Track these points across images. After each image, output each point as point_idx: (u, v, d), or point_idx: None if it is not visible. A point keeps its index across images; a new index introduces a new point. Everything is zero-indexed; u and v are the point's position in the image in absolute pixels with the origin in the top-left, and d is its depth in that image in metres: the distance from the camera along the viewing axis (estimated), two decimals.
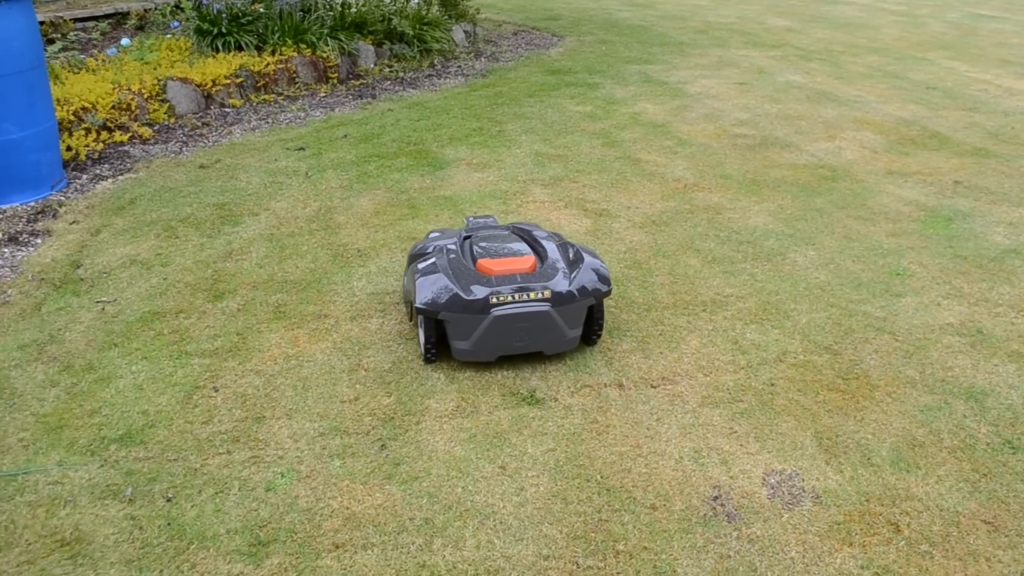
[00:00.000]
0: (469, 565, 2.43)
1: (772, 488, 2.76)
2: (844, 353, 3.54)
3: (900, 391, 3.29)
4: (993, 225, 4.88)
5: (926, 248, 4.56)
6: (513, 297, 3.25)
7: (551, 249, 3.55)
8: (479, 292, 3.24)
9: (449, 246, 3.55)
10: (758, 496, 2.72)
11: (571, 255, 3.52)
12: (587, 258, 3.48)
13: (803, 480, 2.80)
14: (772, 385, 3.31)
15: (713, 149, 6.18)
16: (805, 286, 4.11)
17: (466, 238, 3.67)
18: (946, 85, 8.42)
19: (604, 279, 3.43)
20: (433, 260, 3.43)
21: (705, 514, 2.64)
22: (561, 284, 3.32)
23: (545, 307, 3.26)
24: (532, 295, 3.26)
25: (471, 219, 4.00)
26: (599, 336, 3.55)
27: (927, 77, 8.78)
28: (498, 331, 3.25)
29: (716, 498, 2.71)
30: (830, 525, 2.61)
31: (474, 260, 3.46)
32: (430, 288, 3.26)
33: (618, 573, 2.42)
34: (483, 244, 3.57)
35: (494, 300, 3.23)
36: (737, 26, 11.87)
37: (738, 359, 3.48)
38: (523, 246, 3.56)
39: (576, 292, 3.33)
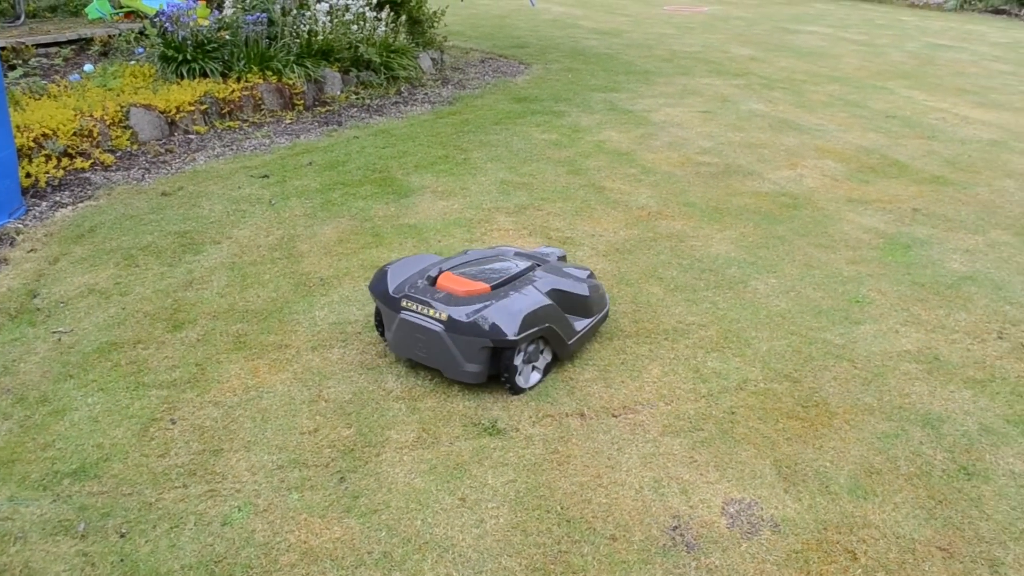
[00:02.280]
0: None
1: (731, 517, 2.77)
2: (804, 381, 3.57)
3: (858, 418, 3.32)
4: (950, 252, 4.97)
5: (885, 275, 4.62)
6: (416, 307, 3.38)
7: (517, 284, 3.50)
8: (398, 292, 3.49)
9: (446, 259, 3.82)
10: (717, 526, 2.73)
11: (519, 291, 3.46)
12: (511, 298, 3.37)
13: (762, 509, 2.81)
14: (732, 413, 3.33)
15: (677, 177, 6.24)
16: (766, 314, 4.15)
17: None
18: (905, 114, 8.58)
19: (511, 326, 3.24)
20: (406, 260, 3.77)
21: (664, 544, 2.64)
22: (461, 313, 3.30)
23: (438, 328, 3.32)
24: (431, 312, 3.35)
25: (544, 249, 4.14)
26: (510, 385, 3.38)
27: (887, 106, 8.94)
28: (404, 333, 3.43)
29: (675, 528, 2.71)
30: (788, 554, 2.62)
31: (440, 273, 3.55)
32: (378, 277, 3.65)
33: None
34: (471, 266, 3.67)
35: (403, 304, 3.41)
36: (702, 55, 12.03)
37: (699, 388, 3.50)
38: (496, 273, 3.57)
39: (470, 325, 3.27)
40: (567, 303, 3.58)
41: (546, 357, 3.54)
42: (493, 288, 3.45)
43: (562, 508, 2.79)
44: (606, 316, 3.87)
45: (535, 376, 3.49)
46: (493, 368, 3.35)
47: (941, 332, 4.02)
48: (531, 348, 3.41)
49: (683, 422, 3.26)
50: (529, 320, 3.30)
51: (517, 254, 3.92)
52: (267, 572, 2.50)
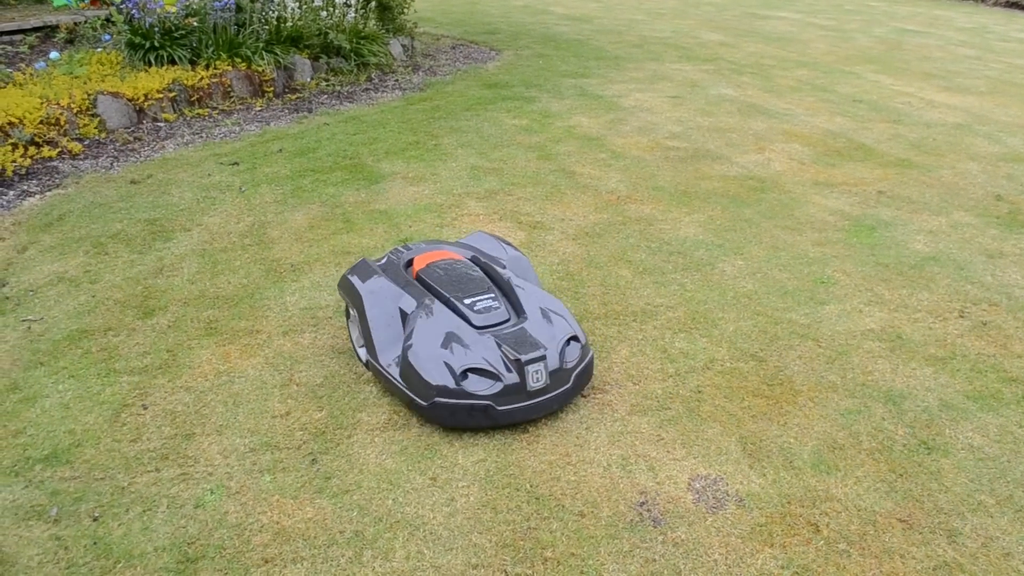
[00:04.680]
0: None
1: (697, 493, 2.83)
2: (769, 360, 3.64)
3: (822, 396, 3.39)
4: (914, 233, 5.05)
5: (850, 256, 4.70)
6: None
7: (412, 287, 3.49)
8: None
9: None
10: (683, 501, 2.79)
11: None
12: (376, 273, 3.49)
13: (727, 484, 2.87)
14: (699, 392, 3.39)
15: (646, 162, 6.29)
16: (733, 295, 4.21)
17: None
18: (872, 98, 8.67)
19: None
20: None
21: (632, 520, 2.70)
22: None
23: None
24: None
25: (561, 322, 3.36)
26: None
27: (854, 90, 9.04)
28: None
29: (642, 504, 2.77)
30: (752, 527, 2.68)
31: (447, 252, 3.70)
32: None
33: None
34: (469, 264, 3.59)
35: None
36: (672, 40, 12.08)
37: (666, 367, 3.55)
38: (455, 276, 3.50)
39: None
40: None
41: None
42: (416, 277, 3.52)
43: (531, 486, 2.83)
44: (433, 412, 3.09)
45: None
46: None
47: (904, 311, 4.10)
48: None
49: (651, 401, 3.32)
50: (345, 286, 3.53)
51: (503, 290, 3.47)
52: (240, 553, 2.53)
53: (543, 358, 3.08)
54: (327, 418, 3.16)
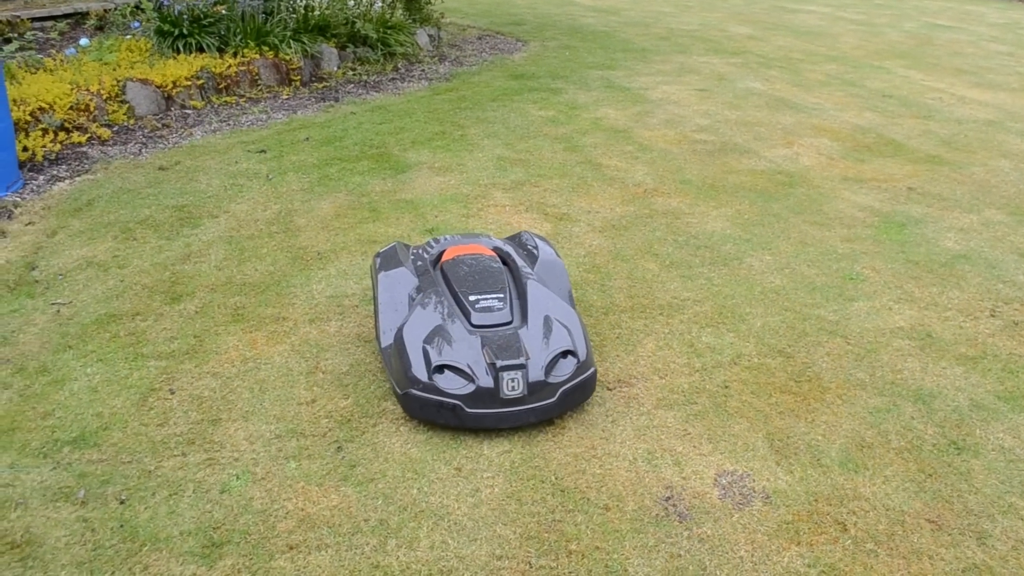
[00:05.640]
0: (423, 565, 2.45)
1: (723, 488, 2.81)
2: (797, 356, 3.60)
3: (850, 393, 3.35)
4: (944, 231, 4.99)
5: (879, 253, 4.65)
6: None
7: (426, 281, 3.51)
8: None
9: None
10: (709, 496, 2.77)
11: None
12: (408, 262, 3.56)
13: (754, 481, 2.85)
14: (726, 387, 3.36)
15: (673, 155, 6.25)
16: (760, 290, 4.17)
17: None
18: (902, 93, 8.58)
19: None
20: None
21: (657, 514, 2.68)
22: None
23: None
24: None
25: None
26: None
27: (884, 85, 8.94)
28: None
29: (668, 498, 2.75)
30: (779, 524, 2.66)
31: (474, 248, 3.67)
32: None
33: (570, 572, 2.45)
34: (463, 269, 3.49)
35: None
36: (699, 33, 12.00)
37: (693, 362, 3.53)
38: (473, 270, 3.47)
39: None
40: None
41: None
42: (440, 268, 3.51)
43: (556, 478, 2.82)
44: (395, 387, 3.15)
45: None
46: None
47: (934, 309, 4.05)
48: None
49: (677, 395, 3.30)
50: (372, 266, 3.63)
51: (519, 292, 3.37)
52: (265, 538, 2.54)
53: (522, 367, 2.97)
54: (353, 406, 3.17)
